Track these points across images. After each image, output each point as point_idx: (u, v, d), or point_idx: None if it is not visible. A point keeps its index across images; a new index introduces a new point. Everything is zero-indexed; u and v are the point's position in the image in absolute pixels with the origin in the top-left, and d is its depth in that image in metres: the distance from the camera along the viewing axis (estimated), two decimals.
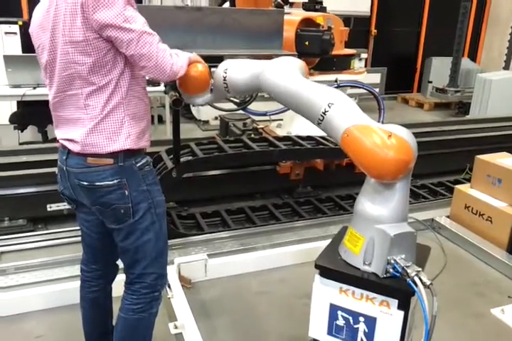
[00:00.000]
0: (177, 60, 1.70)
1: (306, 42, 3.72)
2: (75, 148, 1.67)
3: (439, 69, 8.80)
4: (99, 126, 1.64)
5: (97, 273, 1.95)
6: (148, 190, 1.74)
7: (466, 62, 8.76)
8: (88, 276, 1.97)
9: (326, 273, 1.58)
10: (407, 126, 1.57)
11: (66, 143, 1.70)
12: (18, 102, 5.25)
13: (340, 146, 1.55)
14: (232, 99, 2.58)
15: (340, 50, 4.29)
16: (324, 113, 1.58)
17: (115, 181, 1.66)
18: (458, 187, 3.49)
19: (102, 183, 1.66)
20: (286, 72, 1.81)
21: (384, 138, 1.41)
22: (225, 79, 2.01)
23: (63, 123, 1.72)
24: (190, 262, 2.69)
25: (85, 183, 1.67)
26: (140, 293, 1.81)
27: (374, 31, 9.26)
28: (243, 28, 2.81)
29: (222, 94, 2.13)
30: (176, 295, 2.45)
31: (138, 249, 1.76)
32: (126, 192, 1.68)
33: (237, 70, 1.99)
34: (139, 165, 1.71)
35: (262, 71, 1.87)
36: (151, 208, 1.75)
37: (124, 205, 1.69)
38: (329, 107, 1.57)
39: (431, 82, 8.88)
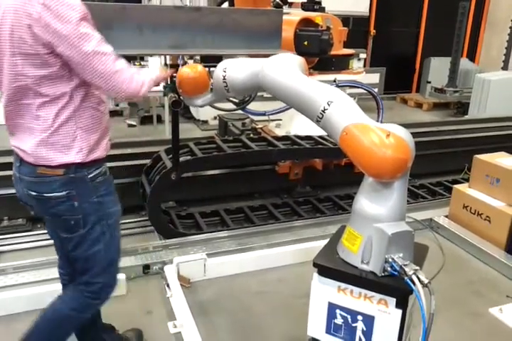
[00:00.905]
0: (136, 80, 1.62)
1: (305, 42, 3.73)
2: (27, 158, 1.63)
3: (438, 69, 8.81)
4: (50, 138, 1.59)
5: (74, 275, 1.93)
6: (100, 202, 1.70)
7: (464, 62, 8.77)
8: (65, 279, 1.99)
9: (324, 271, 1.59)
10: (406, 126, 1.57)
11: (19, 152, 1.66)
12: None
13: (339, 144, 1.56)
14: (231, 99, 2.59)
15: (339, 50, 4.30)
16: (323, 111, 1.59)
17: (64, 193, 1.63)
18: (456, 186, 3.50)
19: (51, 195, 1.62)
20: (286, 68, 1.81)
21: (382, 137, 1.41)
22: (224, 79, 2.01)
23: (20, 130, 1.65)
24: (189, 261, 2.69)
25: (34, 193, 1.64)
26: (82, 295, 1.81)
27: (373, 31, 9.26)
28: (242, 27, 2.81)
29: (223, 94, 2.13)
30: (174, 295, 2.46)
31: (88, 258, 1.76)
32: (76, 204, 1.65)
33: (236, 69, 1.99)
34: (91, 176, 1.67)
35: (261, 68, 1.87)
36: (102, 219, 1.72)
37: (74, 217, 1.66)
38: (328, 105, 1.58)
39: (429, 82, 8.90)
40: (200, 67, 2.03)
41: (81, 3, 1.52)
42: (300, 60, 1.91)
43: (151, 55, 5.45)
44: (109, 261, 1.81)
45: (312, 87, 1.69)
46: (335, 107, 1.57)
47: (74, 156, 1.62)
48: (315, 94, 1.66)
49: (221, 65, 2.05)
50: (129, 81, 1.60)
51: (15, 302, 2.41)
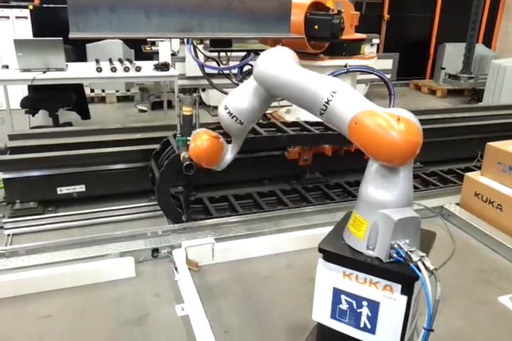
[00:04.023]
0: None
1: (316, 27, 3.67)
2: None
3: (453, 55, 8.66)
4: None
5: None
6: None
7: (480, 48, 8.61)
8: None
9: (330, 257, 1.58)
10: (419, 112, 1.56)
11: None
12: (29, 87, 5.29)
13: (347, 135, 1.53)
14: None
15: (350, 34, 4.24)
16: (327, 102, 1.55)
17: None
18: (468, 174, 3.46)
19: None
20: (281, 62, 1.77)
21: (393, 122, 1.40)
22: (231, 115, 1.97)
23: None
24: (198, 246, 2.70)
25: None
26: None
27: (387, 16, 9.12)
28: (250, 11, 2.76)
29: (241, 130, 2.09)
30: (183, 278, 2.48)
31: None
32: None
33: (236, 99, 1.97)
34: None
35: (254, 66, 1.82)
36: None
37: None
38: (332, 96, 1.55)
39: (444, 69, 8.76)
40: (205, 135, 2.06)
41: None
42: (292, 53, 1.86)
43: (158, 39, 5.40)
44: None
45: (312, 79, 1.65)
46: (339, 97, 1.54)
47: None
48: (316, 85, 1.61)
49: (221, 107, 2.03)
50: None
51: (26, 283, 2.44)
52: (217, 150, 2.18)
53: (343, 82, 1.60)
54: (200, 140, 2.18)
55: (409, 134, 1.39)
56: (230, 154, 2.25)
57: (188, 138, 2.31)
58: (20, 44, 4.86)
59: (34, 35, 6.40)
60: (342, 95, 1.55)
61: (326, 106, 1.55)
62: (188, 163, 2.21)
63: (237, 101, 1.96)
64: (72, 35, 2.47)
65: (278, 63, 1.76)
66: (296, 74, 1.70)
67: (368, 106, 1.49)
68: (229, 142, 2.29)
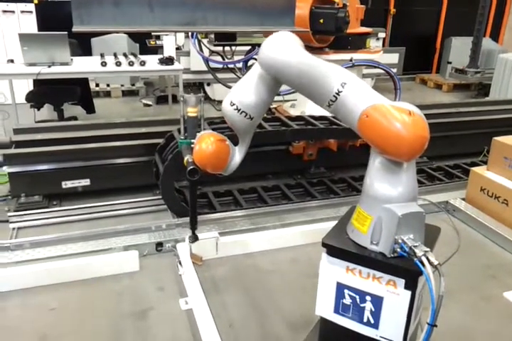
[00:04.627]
0: None
1: (321, 20, 3.64)
2: None
3: (459, 49, 8.58)
4: None
5: None
6: None
7: (487, 42, 8.51)
8: None
9: (334, 251, 1.58)
10: (425, 107, 1.55)
11: None
12: (34, 81, 5.29)
13: (356, 128, 1.50)
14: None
15: (355, 28, 4.20)
16: (338, 93, 1.51)
17: None
18: (474, 169, 3.44)
19: None
20: (289, 47, 1.67)
21: (406, 117, 1.38)
22: (239, 110, 1.84)
23: None
24: (202, 240, 2.70)
25: None
26: None
27: (393, 10, 9.04)
28: (254, 4, 2.74)
29: (249, 126, 1.94)
30: (187, 272, 2.48)
31: None
32: None
33: (242, 93, 1.84)
34: None
35: (259, 51, 1.70)
36: None
37: None
38: (343, 87, 1.51)
39: (450, 63, 8.68)
40: (211, 138, 1.94)
41: None
42: (298, 38, 1.74)
43: (162, 32, 5.38)
44: None
45: (323, 67, 1.58)
46: (350, 89, 1.51)
47: None
48: (327, 75, 1.55)
49: (225, 103, 1.89)
50: None
51: (30, 276, 2.46)
52: (223, 155, 2.05)
53: (352, 74, 1.57)
54: (206, 143, 2.04)
55: (420, 129, 1.38)
56: (237, 157, 2.12)
57: (193, 140, 2.15)
58: (25, 38, 4.86)
59: (39, 30, 6.39)
60: (353, 87, 1.51)
61: (336, 98, 1.52)
62: (192, 167, 2.06)
63: (243, 94, 1.84)
64: (75, 28, 2.46)
65: (287, 48, 1.66)
66: (307, 61, 1.61)
67: (379, 100, 1.47)
68: (235, 144, 2.16)
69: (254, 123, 1.94)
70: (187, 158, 2.11)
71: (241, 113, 1.84)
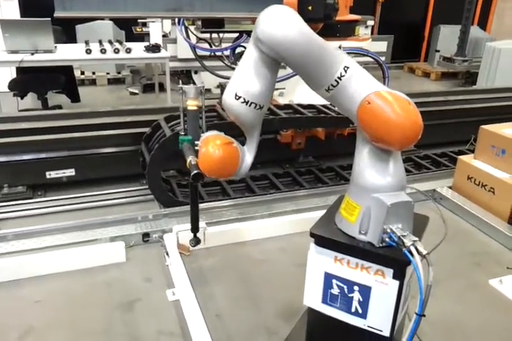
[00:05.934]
0: None
1: (309, 7, 3.60)
2: None
3: (448, 37, 8.59)
4: None
5: None
6: None
7: (475, 31, 8.53)
8: None
9: (321, 241, 1.56)
10: (413, 95, 1.53)
11: None
12: (17, 69, 5.19)
13: (354, 114, 1.45)
14: (234, 66, 2.44)
15: (344, 15, 4.17)
16: (340, 78, 1.44)
17: None
18: (461, 157, 3.44)
19: None
20: (293, 22, 1.48)
21: (407, 106, 1.38)
22: (246, 102, 1.66)
23: None
24: (189, 230, 2.67)
25: None
26: None
27: None
28: None
29: (259, 118, 1.76)
30: (174, 263, 2.46)
31: None
32: None
33: (244, 83, 1.65)
34: None
35: (259, 29, 1.50)
36: None
37: None
38: (345, 71, 1.44)
39: (438, 51, 8.70)
40: (217, 141, 1.75)
41: None
42: (297, 14, 1.53)
43: (147, 18, 5.29)
44: None
45: (328, 49, 1.47)
46: (352, 74, 1.45)
47: None
48: (332, 56, 1.45)
49: (229, 98, 1.69)
50: None
51: (16, 268, 2.42)
52: (233, 160, 1.86)
53: (351, 58, 1.51)
54: (212, 147, 1.82)
55: (418, 119, 1.39)
56: (248, 158, 1.94)
57: (197, 142, 1.93)
58: (6, 24, 4.75)
59: (22, 16, 6.25)
60: (355, 72, 1.45)
61: (338, 82, 1.44)
62: (196, 171, 1.83)
63: (248, 84, 1.64)
64: (57, 14, 2.40)
65: (294, 25, 1.47)
66: (316, 40, 1.47)
67: (380, 87, 1.44)
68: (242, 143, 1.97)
69: (263, 113, 1.76)
70: (190, 159, 1.88)
71: (250, 104, 1.66)
